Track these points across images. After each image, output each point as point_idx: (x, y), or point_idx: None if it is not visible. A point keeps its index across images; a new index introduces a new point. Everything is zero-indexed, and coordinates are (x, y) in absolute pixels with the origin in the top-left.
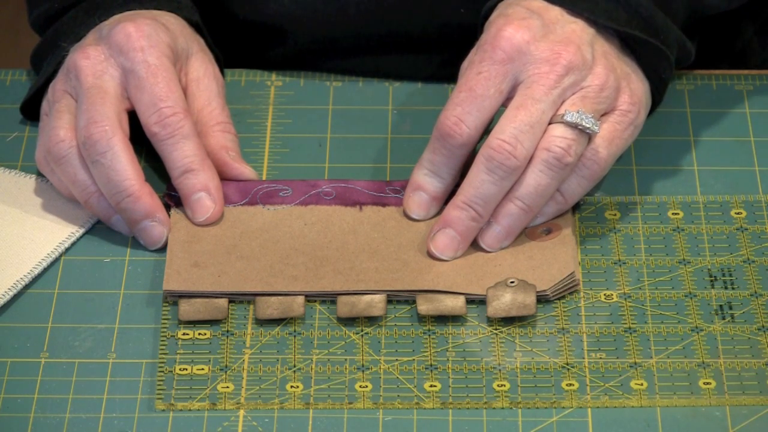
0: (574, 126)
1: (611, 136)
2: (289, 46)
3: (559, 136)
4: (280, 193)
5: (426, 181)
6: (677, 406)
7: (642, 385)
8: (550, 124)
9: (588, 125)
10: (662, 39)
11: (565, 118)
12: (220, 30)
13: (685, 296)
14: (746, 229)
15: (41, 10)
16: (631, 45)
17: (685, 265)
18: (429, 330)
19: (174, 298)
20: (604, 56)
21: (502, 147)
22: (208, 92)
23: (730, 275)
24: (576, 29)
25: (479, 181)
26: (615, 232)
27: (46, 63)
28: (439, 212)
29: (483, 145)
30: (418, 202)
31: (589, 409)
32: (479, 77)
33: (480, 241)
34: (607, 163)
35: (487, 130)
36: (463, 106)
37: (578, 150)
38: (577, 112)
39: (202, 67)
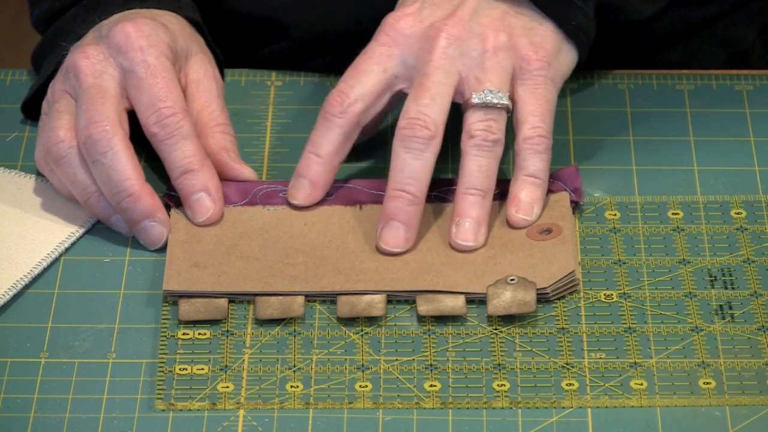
0: (483, 106)
1: (536, 102)
2: (290, 40)
3: (476, 120)
4: (280, 194)
5: (304, 164)
6: (677, 406)
7: (642, 385)
8: (463, 111)
9: (496, 101)
10: None
11: (472, 101)
12: (220, 25)
13: (685, 296)
14: (746, 229)
15: (42, 9)
16: None
17: (685, 265)
18: (429, 330)
19: (174, 298)
20: (496, 18)
21: (411, 123)
22: (207, 94)
23: (730, 275)
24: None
25: (401, 162)
26: (615, 232)
27: (47, 62)
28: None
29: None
30: (297, 187)
31: (589, 409)
32: (364, 56)
33: (457, 242)
34: (549, 128)
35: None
36: (347, 81)
37: (500, 124)
38: (482, 92)
39: (201, 68)
